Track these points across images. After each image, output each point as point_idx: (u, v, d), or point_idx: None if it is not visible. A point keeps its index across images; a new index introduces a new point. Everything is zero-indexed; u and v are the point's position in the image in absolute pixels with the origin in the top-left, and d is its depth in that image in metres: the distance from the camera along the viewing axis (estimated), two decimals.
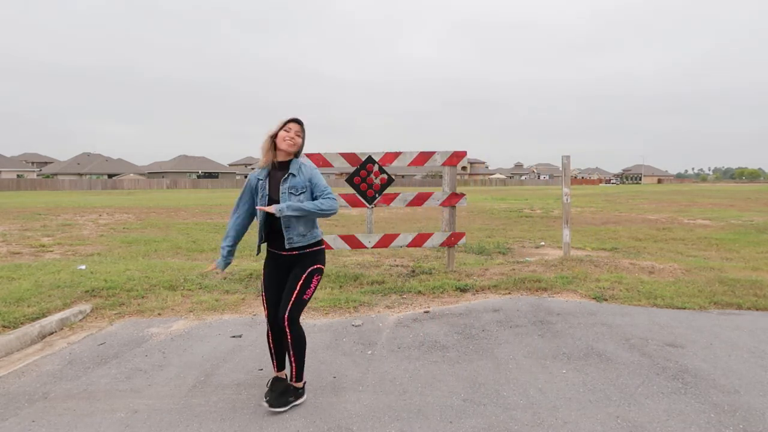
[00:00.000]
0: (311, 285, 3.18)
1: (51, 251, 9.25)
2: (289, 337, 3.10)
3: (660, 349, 4.06)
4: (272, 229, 3.19)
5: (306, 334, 3.25)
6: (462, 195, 6.78)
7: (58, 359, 4.02)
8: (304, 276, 3.15)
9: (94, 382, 3.59)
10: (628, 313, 5.02)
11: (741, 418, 2.96)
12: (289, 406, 3.14)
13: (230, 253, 3.32)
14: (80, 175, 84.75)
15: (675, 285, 5.99)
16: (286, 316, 3.09)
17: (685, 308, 5.21)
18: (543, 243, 10.10)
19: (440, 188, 6.86)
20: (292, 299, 3.11)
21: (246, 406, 3.18)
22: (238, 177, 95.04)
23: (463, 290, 5.87)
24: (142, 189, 65.02)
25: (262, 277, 3.32)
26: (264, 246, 3.29)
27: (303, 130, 3.21)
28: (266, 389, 3.25)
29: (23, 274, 6.51)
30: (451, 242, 6.78)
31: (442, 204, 6.77)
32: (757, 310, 5.18)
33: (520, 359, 3.90)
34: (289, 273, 3.22)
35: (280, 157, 3.18)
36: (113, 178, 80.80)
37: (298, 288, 3.13)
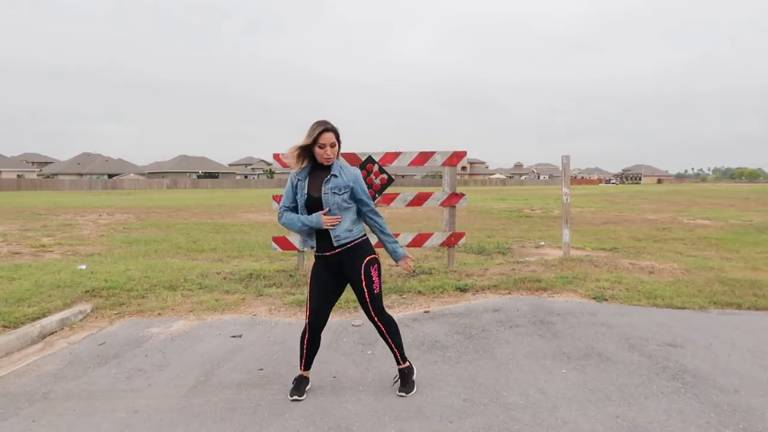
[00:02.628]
0: (373, 279, 3.23)
1: (51, 251, 9.26)
2: (382, 327, 3.28)
3: (660, 349, 4.06)
4: (317, 231, 3.20)
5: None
6: (462, 195, 6.79)
7: (58, 359, 4.02)
8: (362, 276, 3.20)
9: (95, 382, 3.59)
10: (628, 313, 5.02)
11: (741, 418, 2.97)
12: (415, 385, 3.34)
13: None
14: (80, 175, 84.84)
15: (675, 285, 5.99)
16: (372, 313, 3.25)
17: (684, 308, 5.21)
18: (543, 243, 10.10)
19: (440, 188, 6.87)
20: (368, 300, 3.22)
21: (246, 406, 3.18)
22: (238, 177, 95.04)
23: (463, 290, 5.87)
24: (142, 189, 65.03)
25: (309, 279, 3.32)
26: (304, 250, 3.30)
27: (337, 136, 3.15)
28: (291, 387, 3.30)
29: (24, 274, 6.51)
30: (451, 242, 6.79)
31: (442, 204, 6.77)
32: (756, 309, 5.18)
33: (520, 359, 3.90)
34: (339, 273, 3.25)
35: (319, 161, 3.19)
36: (113, 178, 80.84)
37: (365, 289, 3.21)
